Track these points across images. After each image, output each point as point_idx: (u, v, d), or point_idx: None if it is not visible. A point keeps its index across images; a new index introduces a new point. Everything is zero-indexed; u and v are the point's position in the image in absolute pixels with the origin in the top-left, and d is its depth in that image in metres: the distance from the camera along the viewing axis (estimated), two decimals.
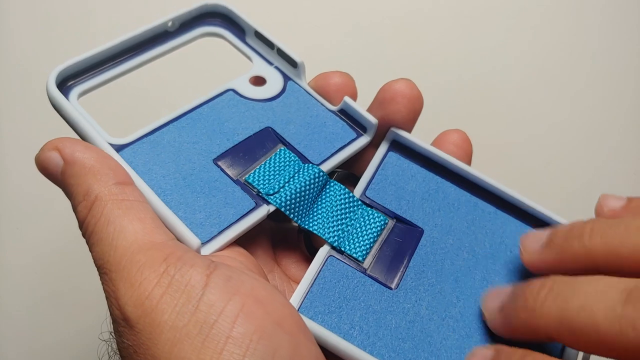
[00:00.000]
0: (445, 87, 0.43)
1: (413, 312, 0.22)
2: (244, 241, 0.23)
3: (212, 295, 0.18)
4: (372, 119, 0.25)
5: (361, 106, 0.26)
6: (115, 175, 0.21)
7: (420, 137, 0.27)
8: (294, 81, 0.28)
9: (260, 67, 0.28)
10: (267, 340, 0.18)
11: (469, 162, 0.26)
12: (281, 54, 0.27)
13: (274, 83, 0.27)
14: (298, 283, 0.23)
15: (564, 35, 0.44)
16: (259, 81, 0.27)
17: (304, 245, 0.25)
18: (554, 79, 0.44)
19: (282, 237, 0.26)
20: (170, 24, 0.27)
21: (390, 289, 0.23)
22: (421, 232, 0.24)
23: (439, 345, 0.22)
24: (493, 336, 0.22)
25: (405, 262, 0.24)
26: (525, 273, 0.24)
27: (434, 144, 0.26)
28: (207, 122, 0.25)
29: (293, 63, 0.27)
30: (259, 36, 0.28)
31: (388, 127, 0.26)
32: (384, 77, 0.43)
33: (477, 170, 0.25)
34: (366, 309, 0.22)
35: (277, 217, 0.24)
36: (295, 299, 0.21)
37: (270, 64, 0.28)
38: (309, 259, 0.25)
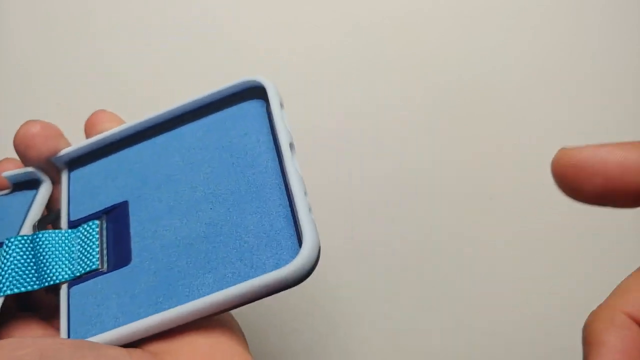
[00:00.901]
0: (445, 87, 0.43)
1: (153, 265, 0.23)
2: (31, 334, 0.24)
3: None
4: (28, 170, 0.27)
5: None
6: None
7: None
8: None
9: None
10: None
11: (120, 122, 0.28)
12: None
13: None
14: None
15: (564, 35, 0.44)
16: None
17: (55, 294, 0.25)
18: (554, 79, 0.44)
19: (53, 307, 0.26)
20: None
21: (128, 265, 0.24)
22: (125, 203, 0.25)
23: (186, 266, 0.23)
24: (223, 219, 0.23)
25: (127, 236, 0.25)
26: (218, 157, 0.25)
27: (87, 134, 0.28)
28: None
29: None
30: None
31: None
32: (384, 77, 0.43)
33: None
34: (118, 297, 0.23)
35: (24, 299, 0.25)
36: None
37: None
38: None
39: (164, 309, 0.21)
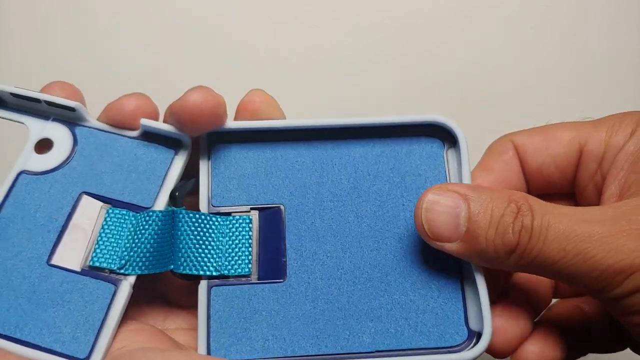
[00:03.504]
0: (445, 87, 0.43)
1: (312, 291, 0.22)
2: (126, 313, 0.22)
3: None
4: (177, 132, 0.23)
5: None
6: None
7: None
8: (82, 126, 0.24)
9: (38, 129, 0.24)
10: None
11: (280, 114, 0.25)
12: (52, 105, 0.23)
13: (62, 139, 0.23)
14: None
15: (564, 35, 0.44)
16: (45, 146, 0.23)
17: (184, 279, 0.23)
18: (555, 79, 0.44)
19: (159, 278, 0.24)
20: None
21: (282, 282, 0.22)
22: (282, 209, 0.23)
23: (347, 305, 0.22)
24: (390, 265, 0.23)
25: (283, 248, 0.23)
26: (388, 191, 0.24)
27: (236, 117, 0.25)
28: (17, 225, 0.22)
29: (70, 109, 0.23)
30: (19, 96, 0.24)
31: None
32: (384, 77, 0.43)
33: None
34: (269, 316, 0.22)
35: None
36: (202, 348, 0.21)
37: (47, 118, 0.24)
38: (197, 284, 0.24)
39: (324, 348, 0.21)
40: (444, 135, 0.25)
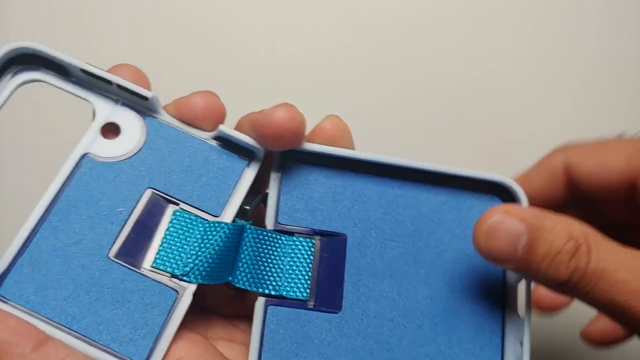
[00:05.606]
0: (445, 88, 0.43)
1: (364, 327, 0.22)
2: (189, 320, 0.21)
3: None
4: (255, 144, 0.23)
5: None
6: (25, 340, 0.18)
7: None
8: (152, 117, 0.23)
9: (105, 111, 0.22)
10: None
11: (351, 143, 0.25)
12: (124, 89, 0.22)
13: (131, 127, 0.22)
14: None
15: (564, 35, 0.44)
16: (111, 130, 0.22)
17: (238, 292, 0.23)
18: (555, 79, 0.44)
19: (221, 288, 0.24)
20: None
21: (337, 313, 0.22)
22: (345, 238, 0.23)
23: (396, 348, 0.22)
24: (440, 315, 0.23)
25: (341, 278, 0.23)
26: (448, 241, 0.24)
27: (309, 139, 0.24)
28: (79, 210, 0.20)
29: (143, 98, 0.22)
30: (89, 74, 0.22)
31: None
32: (384, 78, 0.43)
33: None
34: (321, 345, 0.22)
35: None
36: None
37: (115, 101, 0.22)
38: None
39: None
40: (503, 195, 0.25)
